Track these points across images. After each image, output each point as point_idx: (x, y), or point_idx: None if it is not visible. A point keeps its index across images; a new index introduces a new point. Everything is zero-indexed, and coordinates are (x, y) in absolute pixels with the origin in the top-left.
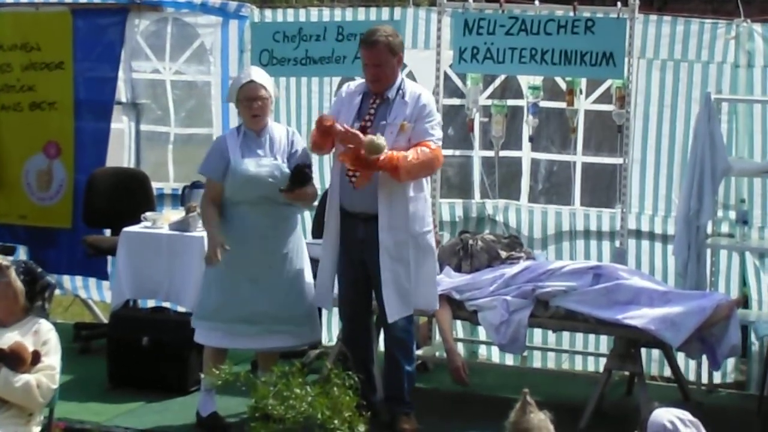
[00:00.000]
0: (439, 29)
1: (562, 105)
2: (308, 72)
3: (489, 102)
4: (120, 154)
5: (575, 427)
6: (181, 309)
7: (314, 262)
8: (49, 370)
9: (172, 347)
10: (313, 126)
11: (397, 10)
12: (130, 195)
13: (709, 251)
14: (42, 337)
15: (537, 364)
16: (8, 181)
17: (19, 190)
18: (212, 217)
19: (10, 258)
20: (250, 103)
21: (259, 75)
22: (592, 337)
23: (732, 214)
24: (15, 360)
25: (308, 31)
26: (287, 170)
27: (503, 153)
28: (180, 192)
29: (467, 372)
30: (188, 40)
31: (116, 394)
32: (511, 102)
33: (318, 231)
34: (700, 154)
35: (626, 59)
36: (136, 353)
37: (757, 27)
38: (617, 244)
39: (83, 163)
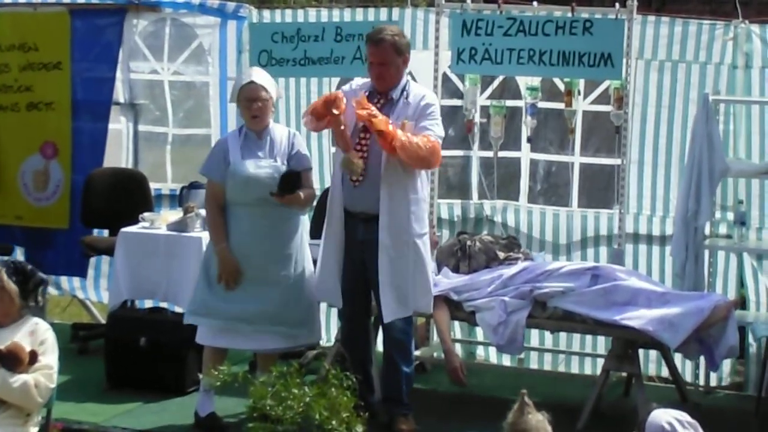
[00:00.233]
0: (437, 30)
1: (561, 106)
2: (307, 72)
3: (488, 103)
4: (118, 155)
5: (573, 427)
6: (178, 309)
7: (313, 263)
8: (47, 370)
9: (170, 348)
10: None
11: (396, 11)
12: (128, 195)
13: (707, 252)
14: (39, 336)
15: (534, 365)
16: (4, 181)
17: (15, 191)
18: (220, 231)
19: (3, 258)
20: (249, 104)
21: (259, 76)
22: (589, 337)
23: (730, 215)
24: (12, 360)
25: (306, 31)
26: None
27: (502, 154)
28: (178, 192)
29: (465, 373)
30: (186, 40)
31: (114, 394)
32: (510, 103)
33: (316, 231)
34: (698, 155)
35: (624, 60)
36: (133, 354)
37: (755, 28)
38: (615, 245)
39: (80, 163)
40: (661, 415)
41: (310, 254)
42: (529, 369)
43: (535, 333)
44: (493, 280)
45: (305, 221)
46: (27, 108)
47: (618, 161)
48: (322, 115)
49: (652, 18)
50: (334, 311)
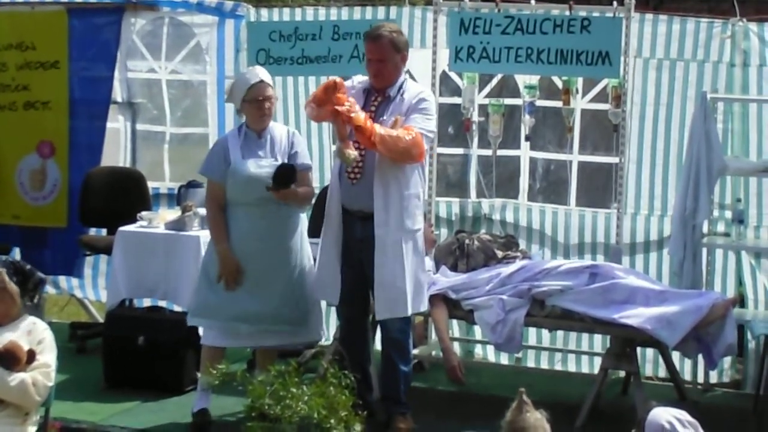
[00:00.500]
0: (435, 28)
1: (560, 104)
2: (304, 71)
3: (486, 101)
4: (116, 154)
5: (572, 426)
6: (177, 308)
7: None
8: (45, 368)
9: (168, 347)
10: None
11: (393, 9)
12: (126, 194)
13: (705, 250)
14: (37, 336)
15: (533, 363)
16: (1, 180)
17: (12, 190)
18: (221, 231)
19: (2, 258)
20: (260, 103)
21: (266, 75)
22: (587, 336)
23: (728, 214)
24: (10, 359)
25: (304, 30)
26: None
27: (501, 152)
28: (176, 191)
29: (463, 371)
30: (184, 39)
31: (112, 393)
32: (508, 101)
33: (315, 230)
34: (696, 153)
35: (622, 58)
36: (131, 353)
37: (753, 26)
38: (613, 242)
39: (78, 162)
40: (661, 414)
41: (310, 252)
42: (527, 367)
43: (533, 331)
44: (491, 279)
45: (304, 219)
46: (24, 107)
47: (616, 159)
48: (323, 101)
49: (649, 16)
50: (333, 310)
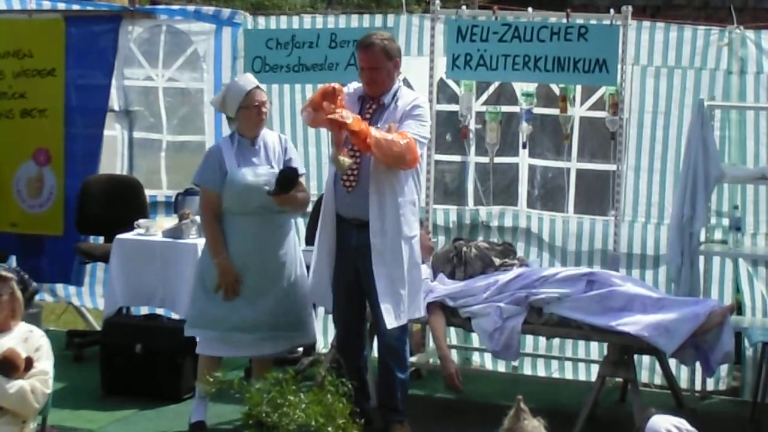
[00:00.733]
0: (432, 36)
1: (558, 111)
2: (301, 79)
3: (483, 109)
4: (113, 162)
5: None
6: (174, 316)
7: (309, 269)
8: (42, 375)
9: (166, 355)
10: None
11: (391, 17)
12: (124, 202)
13: (702, 258)
14: (34, 343)
15: (530, 371)
16: None
17: (9, 198)
18: (219, 242)
19: (4, 265)
20: (258, 108)
21: (256, 81)
22: (585, 343)
23: (725, 221)
24: (8, 367)
25: (301, 38)
26: None
27: (498, 159)
28: (173, 199)
29: (461, 379)
30: (181, 47)
31: (109, 401)
32: (506, 108)
33: (311, 237)
34: (693, 160)
35: (619, 66)
36: (129, 361)
37: (750, 34)
38: (610, 250)
39: (74, 170)
40: (661, 422)
41: (302, 257)
42: (524, 375)
43: (530, 339)
44: (488, 286)
45: (296, 224)
46: (21, 115)
47: (614, 167)
48: (320, 105)
49: (647, 24)
50: (330, 318)
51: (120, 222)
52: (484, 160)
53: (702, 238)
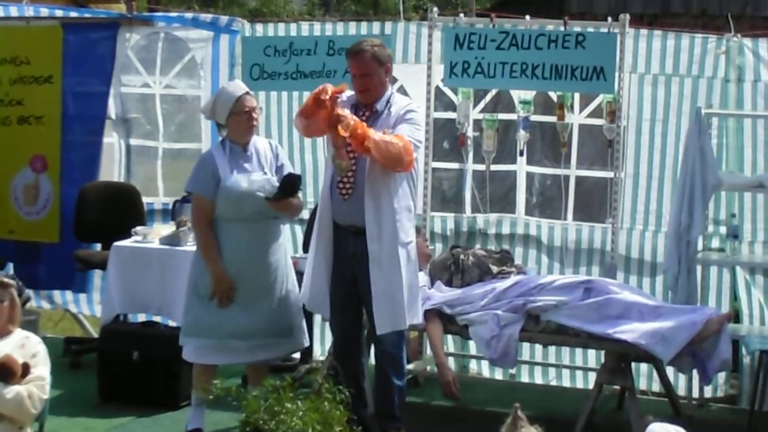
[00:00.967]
0: (430, 44)
1: (555, 119)
2: (299, 86)
3: (481, 116)
4: (110, 169)
5: None
6: (171, 323)
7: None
8: (40, 381)
9: (163, 362)
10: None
11: (388, 25)
12: (121, 209)
13: (699, 266)
14: (31, 349)
15: (527, 378)
16: None
17: (7, 205)
18: (213, 249)
19: (2, 272)
20: (249, 114)
21: (246, 87)
22: (582, 351)
23: (722, 229)
24: (5, 373)
25: (299, 45)
26: (277, 183)
27: (496, 167)
28: (170, 206)
29: (458, 386)
30: (179, 54)
31: (106, 408)
32: (503, 116)
33: (309, 245)
34: (691, 168)
35: (617, 74)
36: (126, 368)
37: (747, 42)
38: (608, 258)
39: (71, 177)
40: (658, 430)
41: (291, 262)
42: (522, 383)
43: (527, 346)
44: (486, 294)
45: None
46: (18, 122)
47: (611, 174)
48: (312, 112)
49: (644, 32)
50: (327, 325)
51: (117, 229)
52: (482, 167)
53: (699, 246)
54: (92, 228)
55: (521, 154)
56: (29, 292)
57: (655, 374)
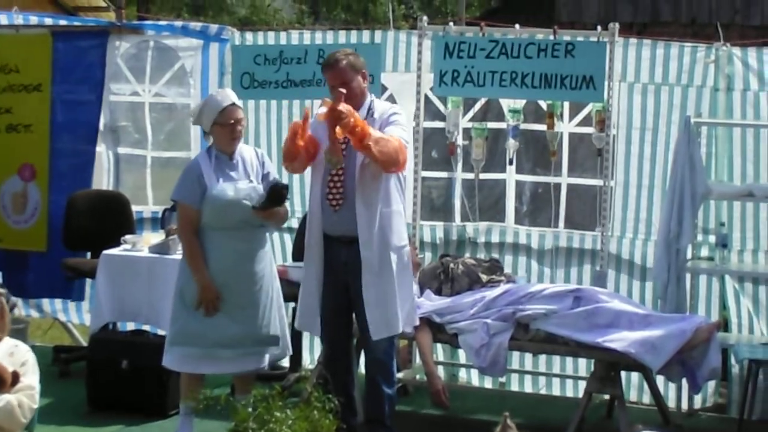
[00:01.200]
0: (419, 52)
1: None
2: (289, 95)
3: (470, 125)
4: (99, 177)
5: None
6: (160, 332)
7: (296, 285)
8: (29, 390)
9: (152, 370)
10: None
11: (378, 33)
12: (110, 218)
13: (688, 274)
14: (20, 358)
15: (517, 387)
16: None
17: None
18: (199, 258)
19: None
20: (232, 126)
21: (236, 97)
22: (572, 360)
23: (712, 238)
24: None
25: (289, 54)
26: (263, 192)
27: (486, 176)
28: (160, 215)
29: (447, 395)
30: (169, 62)
31: (95, 417)
32: (493, 125)
33: (299, 254)
34: (680, 177)
35: (606, 82)
36: (115, 376)
37: (737, 51)
38: (598, 267)
39: (59, 186)
40: None
41: (277, 271)
42: (511, 391)
43: (517, 355)
44: (475, 303)
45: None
46: (6, 130)
47: (600, 182)
48: (295, 152)
49: (633, 41)
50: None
51: (106, 237)
52: (471, 176)
53: (689, 254)
54: (81, 236)
55: (511, 162)
56: (15, 299)
57: (645, 385)
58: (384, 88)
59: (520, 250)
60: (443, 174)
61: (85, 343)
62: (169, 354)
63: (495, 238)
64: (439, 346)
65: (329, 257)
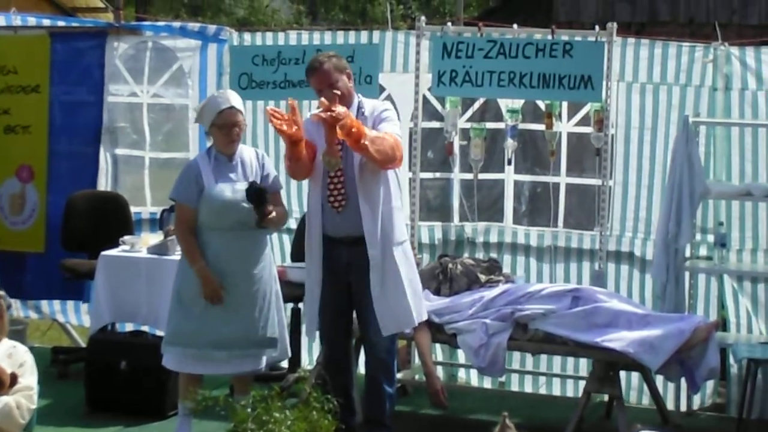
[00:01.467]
0: (417, 52)
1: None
2: (287, 95)
3: (468, 125)
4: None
5: None
6: (159, 333)
7: (295, 286)
8: (27, 391)
9: (151, 371)
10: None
11: (376, 34)
12: (109, 219)
13: (687, 274)
14: (18, 359)
15: (516, 387)
16: None
17: None
18: (197, 252)
19: None
20: (229, 129)
21: (236, 100)
22: (570, 360)
23: (710, 237)
24: None
25: (287, 54)
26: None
27: (484, 176)
28: (158, 216)
29: (446, 395)
30: (167, 63)
31: (94, 418)
32: (491, 125)
33: (298, 254)
34: (679, 177)
35: (604, 82)
36: (114, 377)
37: (735, 50)
38: (596, 266)
39: (58, 187)
40: None
41: (276, 272)
42: (510, 391)
43: (516, 355)
44: (474, 303)
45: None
46: (5, 131)
47: (598, 182)
48: (297, 154)
49: (632, 40)
50: (317, 333)
51: (105, 239)
52: (469, 176)
53: (687, 254)
54: (79, 237)
55: (509, 162)
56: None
57: (644, 388)
58: (382, 89)
59: (519, 250)
60: (438, 174)
61: (83, 344)
62: (166, 354)
63: (493, 238)
64: (438, 346)
65: (330, 259)
